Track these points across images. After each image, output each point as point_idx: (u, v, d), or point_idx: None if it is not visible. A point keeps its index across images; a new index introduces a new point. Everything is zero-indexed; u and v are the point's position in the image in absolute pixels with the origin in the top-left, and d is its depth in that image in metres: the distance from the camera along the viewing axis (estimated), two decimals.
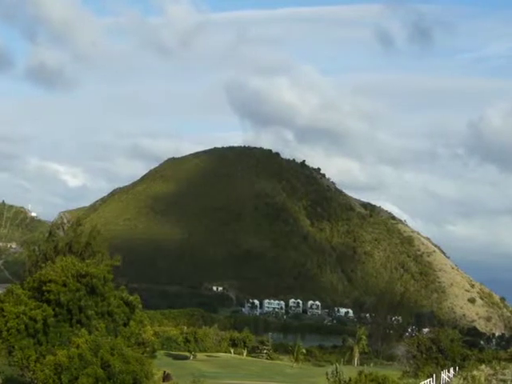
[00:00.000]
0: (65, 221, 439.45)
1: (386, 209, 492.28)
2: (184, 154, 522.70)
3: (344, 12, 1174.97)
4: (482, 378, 69.81)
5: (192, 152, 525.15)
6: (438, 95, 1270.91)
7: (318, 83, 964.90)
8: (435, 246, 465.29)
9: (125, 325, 48.25)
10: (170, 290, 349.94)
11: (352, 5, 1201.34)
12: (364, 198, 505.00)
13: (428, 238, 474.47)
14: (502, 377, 72.38)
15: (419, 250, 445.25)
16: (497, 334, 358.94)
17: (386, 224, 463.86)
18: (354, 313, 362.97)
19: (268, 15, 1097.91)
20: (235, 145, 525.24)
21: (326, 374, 55.90)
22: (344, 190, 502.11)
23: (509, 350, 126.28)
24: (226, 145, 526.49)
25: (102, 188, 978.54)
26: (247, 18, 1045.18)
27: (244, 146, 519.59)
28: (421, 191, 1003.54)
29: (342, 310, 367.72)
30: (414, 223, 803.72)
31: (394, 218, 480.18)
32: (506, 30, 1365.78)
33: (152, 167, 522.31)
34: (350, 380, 51.66)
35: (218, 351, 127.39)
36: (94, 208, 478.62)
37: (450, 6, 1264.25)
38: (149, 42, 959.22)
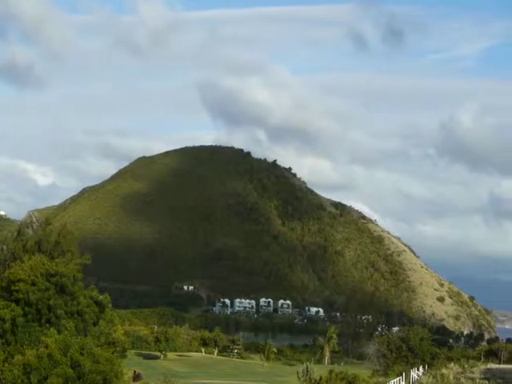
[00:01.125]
0: (34, 220, 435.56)
1: (356, 208, 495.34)
2: (155, 153, 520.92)
3: (316, 12, 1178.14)
4: (451, 376, 70.37)
5: (163, 151, 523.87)
6: (410, 95, 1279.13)
7: (290, 83, 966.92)
8: (405, 245, 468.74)
9: (94, 324, 47.95)
10: (141, 289, 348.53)
11: (324, 5, 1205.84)
12: (335, 198, 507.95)
13: (398, 238, 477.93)
14: (470, 375, 73.06)
15: (389, 250, 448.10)
16: (465, 333, 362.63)
17: (357, 223, 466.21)
18: (324, 312, 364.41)
19: (241, 14, 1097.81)
20: (207, 144, 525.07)
21: (297, 373, 55.94)
22: (315, 190, 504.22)
23: (477, 349, 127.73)
24: (197, 144, 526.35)
25: (72, 187, 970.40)
26: (220, 16, 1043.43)
27: (215, 146, 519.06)
28: (392, 191, 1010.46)
29: (313, 309, 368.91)
30: (385, 223, 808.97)
31: (364, 217, 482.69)
32: (475, 30, 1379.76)
33: (122, 166, 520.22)
34: (320, 379, 51.75)
35: (188, 351, 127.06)
36: (63, 207, 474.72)
37: (421, 6, 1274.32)
38: (121, 41, 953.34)
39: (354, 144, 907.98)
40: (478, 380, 67.54)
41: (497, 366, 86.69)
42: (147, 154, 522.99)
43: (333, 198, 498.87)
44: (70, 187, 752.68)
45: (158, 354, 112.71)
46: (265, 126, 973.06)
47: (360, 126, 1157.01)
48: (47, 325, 45.23)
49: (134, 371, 67.55)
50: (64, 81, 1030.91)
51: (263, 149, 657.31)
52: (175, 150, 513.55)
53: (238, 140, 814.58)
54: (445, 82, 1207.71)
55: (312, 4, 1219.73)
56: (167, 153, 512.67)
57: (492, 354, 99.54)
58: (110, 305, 50.52)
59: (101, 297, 49.93)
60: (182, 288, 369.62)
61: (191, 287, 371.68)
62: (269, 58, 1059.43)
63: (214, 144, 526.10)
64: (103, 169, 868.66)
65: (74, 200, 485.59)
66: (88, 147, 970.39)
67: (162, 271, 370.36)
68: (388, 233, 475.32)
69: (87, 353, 38.32)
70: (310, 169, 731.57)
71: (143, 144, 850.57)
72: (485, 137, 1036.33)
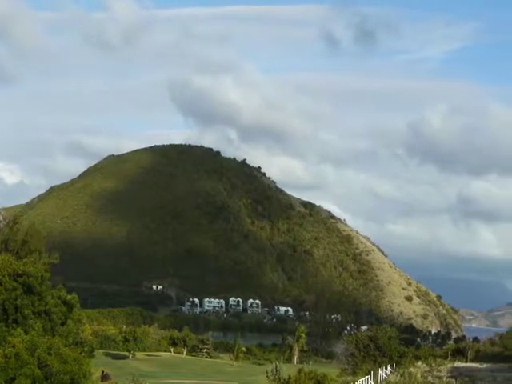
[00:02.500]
0: (1, 218, 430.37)
1: (325, 208, 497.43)
2: (124, 152, 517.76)
3: (289, 12, 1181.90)
4: (419, 375, 70.91)
5: (133, 149, 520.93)
6: (380, 96, 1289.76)
7: (262, 82, 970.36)
8: (374, 244, 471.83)
9: (62, 324, 47.53)
10: (109, 288, 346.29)
11: (297, 5, 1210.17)
12: (306, 197, 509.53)
13: (367, 237, 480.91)
14: (437, 373, 73.69)
15: (358, 249, 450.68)
16: (433, 332, 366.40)
17: (326, 223, 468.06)
18: (293, 311, 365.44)
19: (212, 13, 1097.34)
20: (176, 143, 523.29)
21: (266, 372, 56.08)
22: (285, 189, 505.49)
23: (444, 348, 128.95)
24: (167, 143, 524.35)
25: (40, 185, 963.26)
26: (191, 15, 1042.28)
27: (185, 145, 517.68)
28: (362, 191, 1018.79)
29: (282, 309, 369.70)
30: (355, 222, 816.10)
31: (333, 216, 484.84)
32: (443, 32, 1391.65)
33: (91, 164, 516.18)
34: (289, 378, 51.90)
35: (157, 350, 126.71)
36: (31, 205, 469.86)
37: (392, 8, 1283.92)
38: (92, 38, 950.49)
39: (325, 144, 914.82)
40: (444, 378, 68.11)
41: (463, 364, 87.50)
42: (117, 153, 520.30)
43: (303, 198, 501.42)
44: (38, 185, 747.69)
45: (126, 353, 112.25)
46: (236, 125, 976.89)
47: (331, 126, 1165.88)
48: (14, 325, 44.72)
49: (102, 371, 67.12)
50: (33, 78, 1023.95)
51: (234, 148, 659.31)
52: (145, 149, 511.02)
53: (208, 139, 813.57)
54: (414, 82, 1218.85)
55: (284, 4, 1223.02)
56: (137, 151, 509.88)
57: (459, 353, 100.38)
58: (78, 304, 50.10)
59: (69, 296, 49.49)
60: (151, 287, 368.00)
61: (160, 287, 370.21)
62: (240, 58, 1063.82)
63: (183, 143, 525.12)
64: (72, 167, 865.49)
65: (41, 199, 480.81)
66: (57, 145, 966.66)
67: (131, 270, 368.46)
68: (357, 232, 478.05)
69: (55, 353, 38.00)
70: (281, 168, 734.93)
71: (113, 142, 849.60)
72: (454, 137, 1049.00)
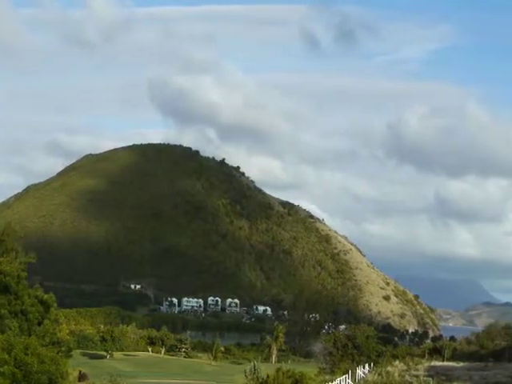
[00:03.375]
0: None
1: (304, 207, 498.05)
2: (103, 151, 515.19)
3: (270, 11, 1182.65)
4: (396, 374, 71.29)
5: (111, 148, 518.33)
6: (360, 96, 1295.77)
7: (242, 82, 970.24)
8: (352, 244, 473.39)
9: (39, 324, 47.23)
10: (87, 288, 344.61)
11: (278, 4, 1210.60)
12: (285, 197, 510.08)
13: (345, 237, 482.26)
14: (414, 372, 74.12)
15: (336, 249, 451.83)
16: (410, 331, 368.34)
17: (304, 223, 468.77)
18: (272, 311, 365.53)
19: (193, 12, 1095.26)
20: (155, 142, 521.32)
21: (244, 371, 56.06)
22: (264, 189, 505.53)
23: (422, 347, 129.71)
24: (146, 142, 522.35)
25: (17, 184, 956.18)
26: (172, 14, 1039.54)
27: (163, 144, 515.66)
28: (340, 190, 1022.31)
29: (261, 308, 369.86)
30: (333, 222, 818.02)
31: (312, 216, 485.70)
32: (422, 33, 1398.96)
33: (69, 163, 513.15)
34: (267, 377, 51.90)
35: (135, 350, 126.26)
36: (7, 205, 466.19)
37: (372, 8, 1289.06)
38: (70, 36, 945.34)
39: (304, 144, 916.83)
40: (422, 377, 68.50)
41: (440, 363, 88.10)
42: (95, 152, 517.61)
43: (282, 198, 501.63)
44: (15, 184, 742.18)
45: (104, 353, 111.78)
46: (216, 124, 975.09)
47: (310, 126, 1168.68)
48: None
49: (80, 371, 66.82)
50: (10, 75, 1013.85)
51: (213, 148, 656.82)
52: (123, 148, 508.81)
53: (188, 139, 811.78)
54: (393, 83, 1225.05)
55: (265, 3, 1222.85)
56: (115, 150, 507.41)
57: (436, 352, 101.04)
58: (55, 304, 49.84)
59: (46, 296, 49.21)
60: (129, 287, 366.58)
61: (138, 286, 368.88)
62: (221, 57, 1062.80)
63: (162, 142, 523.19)
64: (49, 166, 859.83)
65: (18, 197, 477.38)
66: (34, 144, 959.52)
67: (109, 270, 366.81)
68: (335, 232, 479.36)
69: (31, 353, 37.73)
70: (260, 168, 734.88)
71: (91, 141, 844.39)
72: (432, 138, 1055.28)
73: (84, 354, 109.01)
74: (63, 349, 51.08)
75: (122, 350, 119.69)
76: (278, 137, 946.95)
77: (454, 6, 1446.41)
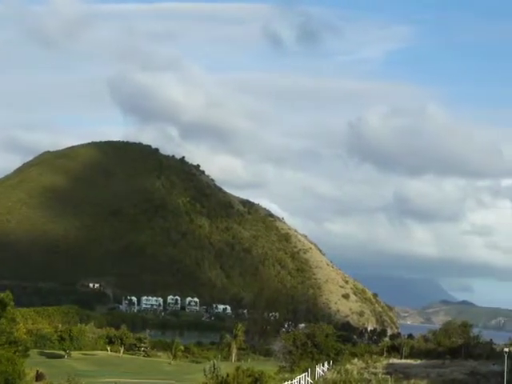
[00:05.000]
0: None
1: (264, 206, 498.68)
2: (62, 148, 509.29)
3: (232, 10, 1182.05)
4: (355, 372, 71.85)
5: (70, 145, 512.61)
6: (322, 96, 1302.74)
7: (205, 81, 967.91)
8: (312, 243, 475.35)
9: None
10: (45, 286, 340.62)
11: (241, 3, 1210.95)
12: (246, 196, 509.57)
13: (305, 236, 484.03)
14: (373, 370, 74.78)
15: (296, 247, 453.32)
16: (369, 329, 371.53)
17: (264, 221, 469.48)
18: (232, 309, 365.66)
19: (155, 9, 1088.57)
20: (115, 139, 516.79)
21: (204, 370, 55.90)
22: (225, 188, 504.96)
23: (380, 345, 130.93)
24: (106, 139, 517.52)
25: None
26: (134, 11, 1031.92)
27: (123, 141, 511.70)
28: (301, 190, 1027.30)
29: (221, 307, 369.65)
30: (294, 221, 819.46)
31: (272, 215, 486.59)
32: (383, 33, 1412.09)
33: (27, 160, 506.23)
34: (227, 376, 51.85)
35: (94, 349, 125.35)
36: None
37: (335, 8, 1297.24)
38: (30, 32, 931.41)
39: (266, 143, 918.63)
40: (380, 375, 69.14)
41: (398, 361, 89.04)
42: (53, 149, 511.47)
43: (243, 196, 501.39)
44: None
45: (62, 352, 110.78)
46: (177, 123, 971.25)
47: (273, 125, 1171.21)
48: None
49: (37, 371, 66.05)
50: None
51: (174, 146, 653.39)
52: (82, 145, 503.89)
53: (149, 136, 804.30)
54: (355, 83, 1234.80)
55: (229, 2, 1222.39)
56: (74, 147, 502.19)
57: (394, 350, 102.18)
58: (11, 303, 49.19)
59: (2, 295, 48.54)
60: (88, 285, 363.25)
61: (97, 285, 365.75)
62: (183, 55, 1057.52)
63: (122, 139, 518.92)
64: (7, 163, 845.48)
65: None
66: None
67: (68, 268, 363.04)
68: (295, 231, 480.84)
69: None
70: (222, 167, 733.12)
71: (50, 138, 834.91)
72: (392, 138, 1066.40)
73: (42, 354, 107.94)
74: (20, 348, 50.47)
75: (81, 350, 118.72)
76: (240, 136, 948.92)
77: (413, 7, 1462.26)
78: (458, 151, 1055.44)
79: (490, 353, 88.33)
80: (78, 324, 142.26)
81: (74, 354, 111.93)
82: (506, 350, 61.85)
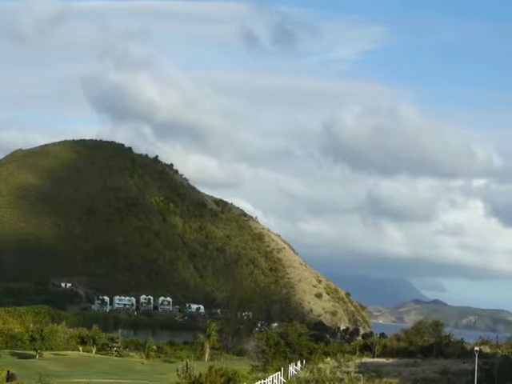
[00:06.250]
0: None
1: (238, 206, 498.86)
2: (33, 146, 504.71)
3: (208, 8, 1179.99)
4: (328, 371, 72.24)
5: (42, 144, 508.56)
6: (296, 96, 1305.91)
7: (180, 79, 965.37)
8: (285, 242, 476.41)
9: None
10: (16, 286, 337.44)
11: (218, 2, 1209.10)
12: (220, 195, 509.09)
13: (278, 235, 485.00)
14: (346, 369, 75.23)
15: (269, 247, 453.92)
16: (342, 328, 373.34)
17: (238, 221, 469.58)
18: (205, 309, 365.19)
19: (130, 7, 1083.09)
20: (87, 138, 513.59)
21: (177, 370, 55.90)
22: (199, 187, 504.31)
23: (352, 344, 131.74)
24: (78, 138, 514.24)
25: None
26: (108, 8, 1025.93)
27: (96, 140, 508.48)
28: (275, 189, 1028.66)
29: (194, 306, 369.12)
30: (268, 220, 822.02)
31: (245, 214, 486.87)
32: (355, 33, 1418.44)
33: None
34: (200, 376, 51.89)
35: (66, 349, 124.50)
36: None
37: (310, 8, 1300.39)
38: (2, 28, 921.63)
39: (241, 142, 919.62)
40: (352, 373, 69.57)
41: (371, 359, 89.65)
42: (25, 147, 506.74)
43: (217, 196, 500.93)
44: None
45: (33, 353, 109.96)
46: (152, 122, 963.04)
47: (247, 124, 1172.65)
48: None
49: (8, 371, 65.49)
50: None
51: (148, 145, 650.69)
52: (55, 143, 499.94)
53: (122, 135, 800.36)
54: (328, 83, 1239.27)
55: (205, 0, 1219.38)
56: (46, 146, 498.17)
57: (366, 349, 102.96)
58: None
59: None
60: (60, 285, 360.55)
61: (69, 284, 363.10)
62: (158, 54, 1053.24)
63: (94, 138, 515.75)
64: None
65: None
66: None
67: (39, 268, 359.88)
68: (268, 230, 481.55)
69: None
70: (196, 166, 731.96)
71: (22, 136, 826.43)
72: (365, 138, 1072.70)
73: (13, 354, 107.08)
74: None
75: (52, 350, 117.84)
76: (215, 135, 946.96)
77: (385, 8, 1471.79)
78: (431, 151, 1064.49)
79: (461, 352, 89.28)
80: (50, 324, 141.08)
81: (46, 354, 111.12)
82: (477, 348, 62.62)
